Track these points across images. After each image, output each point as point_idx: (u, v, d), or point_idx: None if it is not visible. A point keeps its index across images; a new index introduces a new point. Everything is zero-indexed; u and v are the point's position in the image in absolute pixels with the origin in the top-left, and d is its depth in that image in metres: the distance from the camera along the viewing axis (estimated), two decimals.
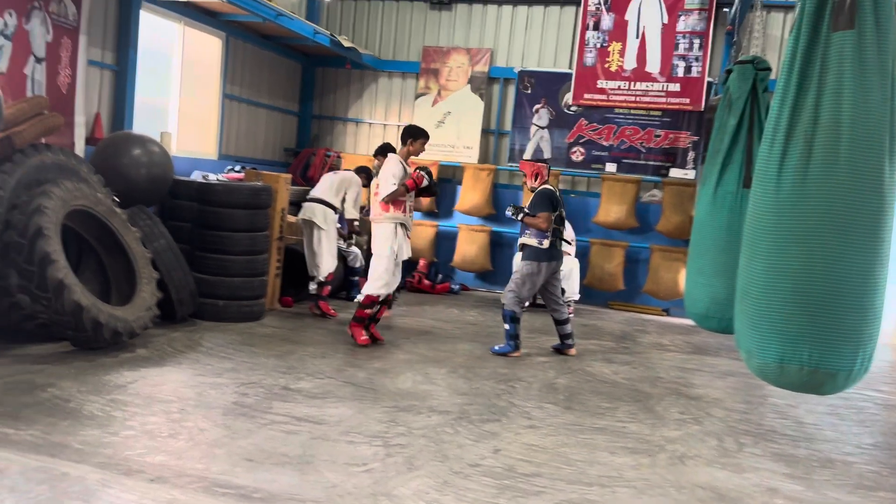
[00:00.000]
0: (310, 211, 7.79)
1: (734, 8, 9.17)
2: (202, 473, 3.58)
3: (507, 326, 6.77)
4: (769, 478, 4.25)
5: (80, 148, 7.15)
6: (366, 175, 8.26)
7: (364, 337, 6.55)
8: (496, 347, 6.85)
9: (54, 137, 6.38)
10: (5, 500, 3.11)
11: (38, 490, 3.23)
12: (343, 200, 7.89)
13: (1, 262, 5.27)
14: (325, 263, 7.80)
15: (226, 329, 6.73)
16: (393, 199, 6.45)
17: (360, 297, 6.61)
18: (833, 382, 3.66)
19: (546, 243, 6.74)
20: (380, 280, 6.48)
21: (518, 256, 7.22)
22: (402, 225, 6.56)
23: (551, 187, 7.01)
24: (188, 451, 3.84)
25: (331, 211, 7.83)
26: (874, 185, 3.55)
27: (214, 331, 6.63)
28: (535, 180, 6.96)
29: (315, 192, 7.94)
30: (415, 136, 6.66)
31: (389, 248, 6.45)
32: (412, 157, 6.75)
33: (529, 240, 6.79)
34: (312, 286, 7.89)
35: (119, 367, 5.24)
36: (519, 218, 6.84)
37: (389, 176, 6.42)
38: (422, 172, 6.56)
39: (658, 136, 10.11)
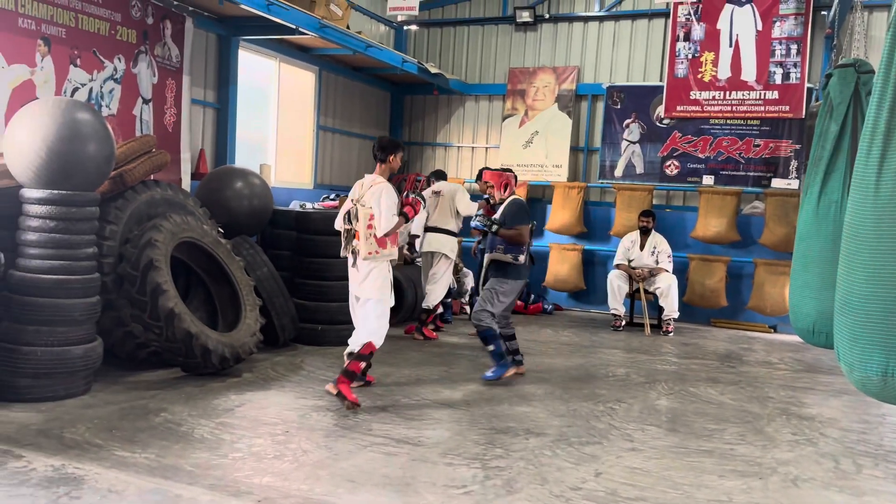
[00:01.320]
0: (437, 243, 7.99)
1: (833, 10, 8.80)
2: (306, 494, 3.67)
3: (490, 347, 6.17)
4: (891, 501, 3.98)
5: (186, 183, 7.52)
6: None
7: (354, 395, 5.26)
8: (488, 374, 6.17)
9: (162, 174, 6.75)
10: None
11: None
12: (457, 213, 8.11)
13: (115, 293, 5.59)
14: (438, 292, 7.99)
15: (325, 353, 6.89)
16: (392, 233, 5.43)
17: (356, 348, 5.45)
18: None
19: (523, 258, 6.21)
20: (383, 328, 5.51)
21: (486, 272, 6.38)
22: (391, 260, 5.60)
23: (521, 198, 6.60)
24: (293, 473, 3.94)
25: (455, 239, 8.12)
26: None
27: (314, 354, 6.80)
28: (505, 191, 6.42)
29: (435, 222, 8.09)
30: (395, 149, 5.62)
31: (390, 290, 5.53)
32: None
33: (504, 256, 6.16)
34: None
35: (226, 391, 5.44)
36: (493, 231, 6.17)
37: (392, 205, 5.32)
38: (416, 197, 5.62)
39: (757, 145, 9.77)
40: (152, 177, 6.27)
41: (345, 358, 5.51)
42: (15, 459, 3.86)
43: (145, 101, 7.17)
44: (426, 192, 8.23)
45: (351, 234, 5.42)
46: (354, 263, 5.45)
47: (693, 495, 3.94)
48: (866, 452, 4.82)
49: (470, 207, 8.06)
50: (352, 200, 5.45)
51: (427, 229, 8.09)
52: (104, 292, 5.39)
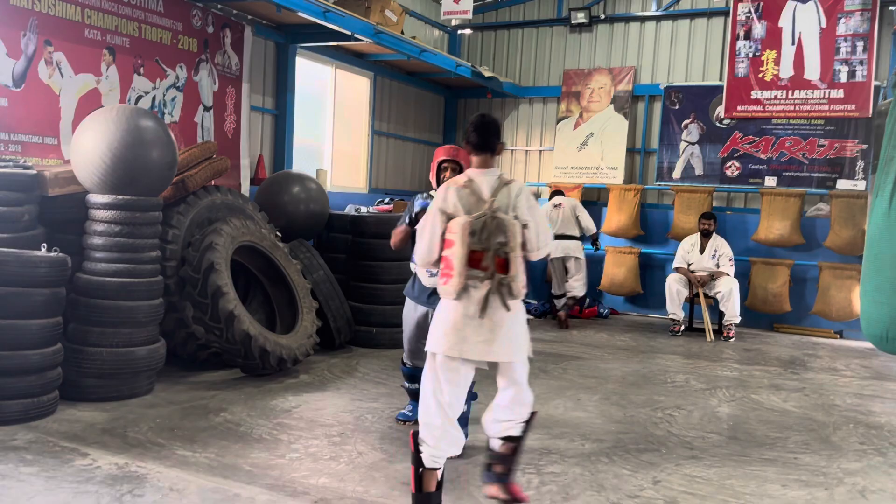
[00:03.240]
0: (567, 248, 9.38)
1: None
2: (362, 496, 3.68)
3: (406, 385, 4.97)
4: None
5: (245, 188, 7.67)
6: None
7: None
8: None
9: (222, 179, 6.89)
10: None
11: None
12: (579, 220, 9.54)
13: (177, 295, 5.72)
14: (581, 284, 9.50)
15: (380, 355, 6.92)
16: None
17: (516, 430, 3.68)
18: None
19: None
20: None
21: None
22: None
23: None
24: (348, 474, 3.96)
25: (579, 242, 9.56)
26: None
27: (369, 357, 6.84)
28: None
29: (561, 230, 9.37)
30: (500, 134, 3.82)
31: None
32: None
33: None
34: (560, 302, 9.56)
35: (284, 392, 5.51)
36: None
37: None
38: None
39: (822, 146, 9.46)
40: (213, 182, 6.40)
41: (495, 447, 3.69)
42: (81, 457, 3.97)
43: (206, 109, 7.33)
44: (546, 207, 9.52)
45: (489, 261, 3.38)
46: (485, 309, 3.38)
47: None
48: None
49: (591, 221, 9.62)
50: (491, 210, 3.40)
51: (556, 237, 8.97)
52: (167, 295, 5.52)
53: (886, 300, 5.20)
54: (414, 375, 4.73)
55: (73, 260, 4.94)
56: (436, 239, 3.42)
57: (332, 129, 9.43)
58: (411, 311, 4.77)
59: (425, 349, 3.52)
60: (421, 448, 3.39)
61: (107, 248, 5.12)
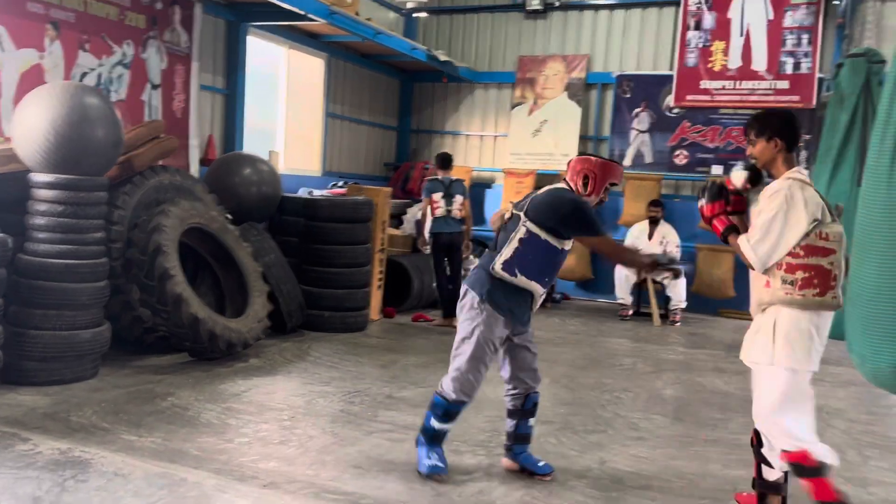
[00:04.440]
0: None
1: (845, 0, 8.69)
2: (312, 480, 3.66)
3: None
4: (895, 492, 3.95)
5: (194, 169, 7.51)
6: None
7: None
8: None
9: (170, 159, 6.73)
10: None
11: (158, 494, 3.38)
12: None
13: (123, 277, 5.59)
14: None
15: (332, 339, 6.89)
16: None
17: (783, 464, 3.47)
18: None
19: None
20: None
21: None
22: None
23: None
24: (299, 458, 3.93)
25: None
26: None
27: (321, 341, 6.79)
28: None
29: None
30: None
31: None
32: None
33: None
34: None
35: (233, 376, 5.44)
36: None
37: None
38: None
39: None
40: (161, 162, 6.25)
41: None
42: (21, 442, 3.87)
43: (154, 87, 7.15)
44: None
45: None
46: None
47: (698, 484, 3.92)
48: (872, 444, 4.78)
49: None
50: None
51: None
52: (112, 277, 5.39)
53: None
54: (453, 413, 3.81)
55: (14, 240, 4.77)
56: (791, 242, 3.19)
57: (285, 110, 9.29)
58: (496, 329, 3.65)
59: (789, 367, 3.26)
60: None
61: (50, 228, 4.97)
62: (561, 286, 10.67)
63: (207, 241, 6.30)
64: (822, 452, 3.28)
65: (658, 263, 3.70)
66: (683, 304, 9.13)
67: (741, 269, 9.67)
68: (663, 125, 10.20)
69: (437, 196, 7.76)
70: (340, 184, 9.32)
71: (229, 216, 6.66)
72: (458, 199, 7.77)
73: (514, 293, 3.66)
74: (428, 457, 3.79)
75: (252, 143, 8.47)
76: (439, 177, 7.92)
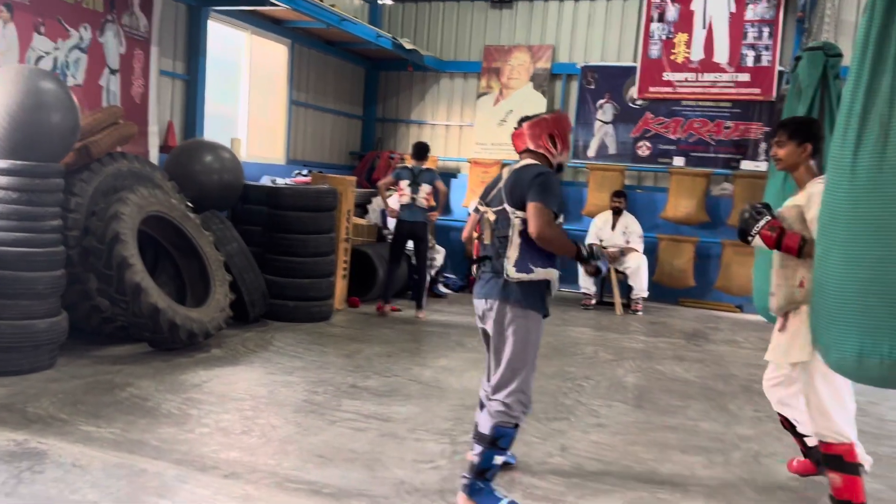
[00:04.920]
0: None
1: None
2: (274, 469, 3.65)
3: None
4: None
5: (154, 156, 7.39)
6: None
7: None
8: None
9: (129, 146, 6.61)
10: (87, 495, 3.23)
11: (118, 485, 3.34)
12: None
13: (81, 266, 5.49)
14: None
15: (296, 329, 6.85)
16: None
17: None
18: None
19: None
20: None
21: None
22: None
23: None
24: (261, 448, 3.92)
25: None
26: None
27: (285, 331, 6.76)
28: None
29: None
30: None
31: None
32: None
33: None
34: None
35: (194, 366, 5.39)
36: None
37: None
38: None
39: (728, 127, 9.83)
40: (119, 149, 6.13)
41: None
42: None
43: (112, 72, 7.01)
44: None
45: None
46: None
47: (656, 470, 4.00)
48: None
49: None
50: None
51: None
52: (69, 266, 5.29)
53: None
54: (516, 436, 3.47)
55: None
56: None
57: (247, 97, 9.18)
58: (540, 330, 3.46)
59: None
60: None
61: (4, 215, 4.85)
62: None
63: (167, 230, 6.21)
64: (862, 453, 3.42)
65: (580, 257, 3.43)
66: (645, 294, 9.27)
67: (701, 259, 9.86)
68: (627, 116, 10.30)
69: (404, 184, 7.75)
70: (304, 172, 9.25)
71: (190, 204, 6.57)
72: (425, 187, 7.75)
73: (538, 287, 3.39)
74: (500, 498, 3.34)
75: (213, 131, 8.35)
76: (409, 165, 7.92)
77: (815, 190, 3.46)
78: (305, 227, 7.19)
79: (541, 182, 3.29)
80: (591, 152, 10.42)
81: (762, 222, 3.51)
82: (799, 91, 6.07)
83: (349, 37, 9.63)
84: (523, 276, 3.32)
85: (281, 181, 8.47)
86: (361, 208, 9.57)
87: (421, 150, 7.98)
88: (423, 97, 11.54)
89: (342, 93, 11.16)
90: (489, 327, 3.45)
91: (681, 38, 9.92)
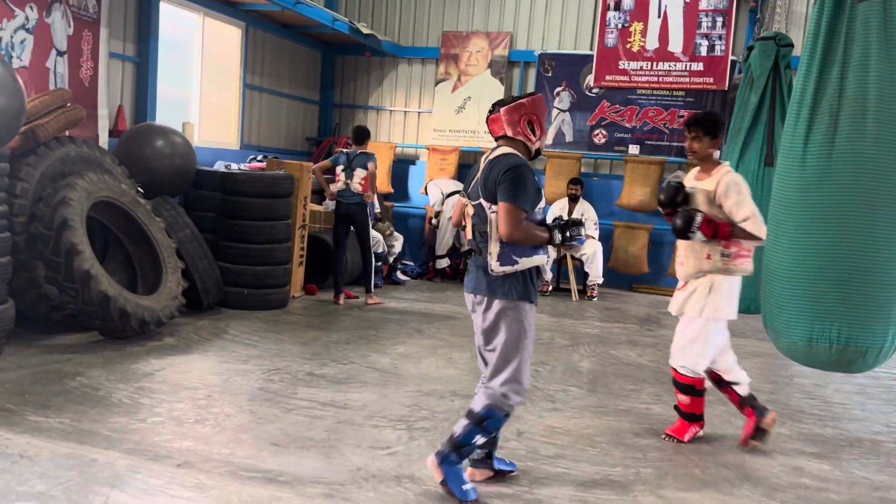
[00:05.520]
0: None
1: None
2: (228, 458, 3.63)
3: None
4: (796, 457, 4.20)
5: (103, 140, 7.23)
6: None
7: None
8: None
9: (78, 130, 6.46)
10: (36, 486, 3.17)
11: (67, 476, 3.29)
12: None
13: (27, 253, 5.36)
14: None
15: (251, 317, 6.79)
16: None
17: None
18: (863, 360, 3.61)
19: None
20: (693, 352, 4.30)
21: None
22: None
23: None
24: (214, 437, 3.89)
25: None
26: None
27: (240, 319, 6.69)
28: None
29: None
30: None
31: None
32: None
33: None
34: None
35: (146, 355, 5.31)
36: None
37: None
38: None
39: (682, 116, 9.98)
40: (67, 133, 5.99)
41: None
42: None
43: (60, 54, 6.81)
44: None
45: None
46: None
47: (610, 452, 4.07)
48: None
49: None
50: None
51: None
52: (15, 253, 5.16)
53: None
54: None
55: None
56: None
57: (200, 80, 9.01)
58: (532, 318, 3.47)
59: (726, 318, 4.20)
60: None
61: None
62: None
63: (117, 216, 6.09)
64: (739, 375, 4.35)
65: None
66: (600, 280, 9.40)
67: (655, 245, 10.02)
68: (583, 104, 10.39)
69: (339, 169, 7.74)
70: (259, 158, 9.14)
71: (141, 190, 6.45)
72: (360, 172, 7.70)
73: (525, 276, 3.37)
74: (465, 481, 3.37)
75: (165, 115, 8.19)
76: (346, 150, 7.90)
77: (730, 179, 4.04)
78: (260, 214, 7.12)
79: (511, 178, 3.23)
80: (548, 140, 10.49)
81: (698, 220, 3.99)
82: (751, 80, 6.20)
83: (305, 20, 9.51)
84: (508, 269, 3.29)
85: (235, 167, 8.35)
86: (318, 195, 9.49)
87: (359, 135, 7.88)
88: (380, 83, 11.47)
89: (298, 77, 11.03)
90: (480, 320, 3.41)
91: (636, 26, 10.02)
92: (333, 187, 7.82)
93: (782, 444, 4.42)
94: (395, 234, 9.61)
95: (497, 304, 3.34)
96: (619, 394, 5.22)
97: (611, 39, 10.14)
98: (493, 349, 3.38)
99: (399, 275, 9.57)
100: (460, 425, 3.38)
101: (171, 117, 8.28)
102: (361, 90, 11.57)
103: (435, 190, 9.93)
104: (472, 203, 3.40)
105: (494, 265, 3.29)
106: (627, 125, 10.22)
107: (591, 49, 10.35)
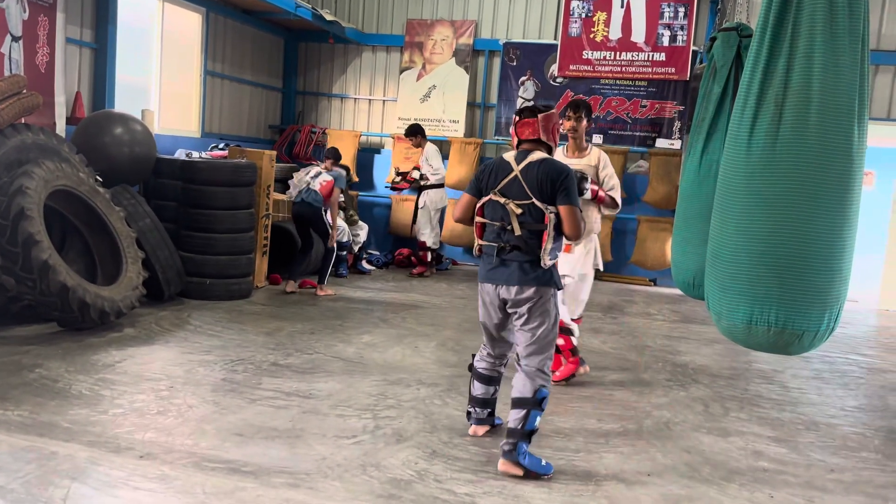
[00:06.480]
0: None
1: None
2: (191, 449, 3.60)
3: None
4: (754, 441, 4.31)
5: (60, 128, 7.08)
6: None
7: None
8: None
9: (34, 117, 6.31)
10: None
11: (27, 469, 3.24)
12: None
13: None
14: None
15: (214, 307, 6.73)
16: None
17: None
18: (800, 342, 3.71)
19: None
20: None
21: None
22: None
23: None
24: (177, 428, 3.86)
25: None
26: (843, 148, 3.58)
27: (202, 309, 6.63)
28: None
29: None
30: None
31: None
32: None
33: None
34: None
35: (107, 346, 5.24)
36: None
37: None
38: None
39: (644, 106, 10.09)
40: (23, 120, 5.85)
41: None
42: None
43: (14, 39, 6.64)
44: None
45: None
46: None
47: (573, 437, 4.14)
48: (733, 397, 5.18)
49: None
50: None
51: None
52: None
53: (693, 250, 5.70)
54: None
55: None
56: None
57: (160, 67, 8.86)
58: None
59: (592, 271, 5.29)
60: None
61: None
62: (449, 252, 10.82)
63: (76, 205, 5.98)
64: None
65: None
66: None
67: (618, 234, 10.14)
68: (548, 94, 10.44)
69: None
70: (221, 146, 9.02)
71: (99, 178, 6.33)
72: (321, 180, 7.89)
73: (555, 267, 3.82)
74: (541, 459, 3.68)
75: (124, 102, 8.04)
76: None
77: (604, 154, 5.24)
78: (222, 203, 7.04)
79: (570, 183, 3.74)
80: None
81: (587, 183, 4.87)
82: (714, 71, 6.28)
83: (266, 6, 9.40)
84: (551, 262, 3.74)
85: (196, 155, 8.24)
86: (282, 183, 9.41)
87: (335, 154, 8.42)
88: (344, 70, 11.39)
89: (260, 64, 10.89)
90: (521, 311, 3.74)
91: (600, 16, 10.09)
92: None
93: (741, 427, 4.53)
94: (361, 223, 9.58)
95: (545, 293, 3.75)
96: (581, 381, 5.29)
97: (575, 29, 10.20)
98: (534, 335, 3.74)
99: (364, 264, 9.55)
100: (518, 416, 3.65)
101: (131, 104, 8.14)
102: (325, 78, 11.48)
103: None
104: (519, 202, 3.74)
105: (546, 259, 3.70)
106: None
107: (555, 38, 10.40)
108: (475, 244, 3.94)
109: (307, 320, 6.57)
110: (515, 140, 3.93)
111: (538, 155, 3.80)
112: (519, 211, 3.73)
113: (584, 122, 5.16)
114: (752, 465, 3.96)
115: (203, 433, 3.82)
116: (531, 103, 10.22)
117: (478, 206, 3.90)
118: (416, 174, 9.74)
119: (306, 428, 3.98)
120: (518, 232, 3.73)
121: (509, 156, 3.86)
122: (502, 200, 3.77)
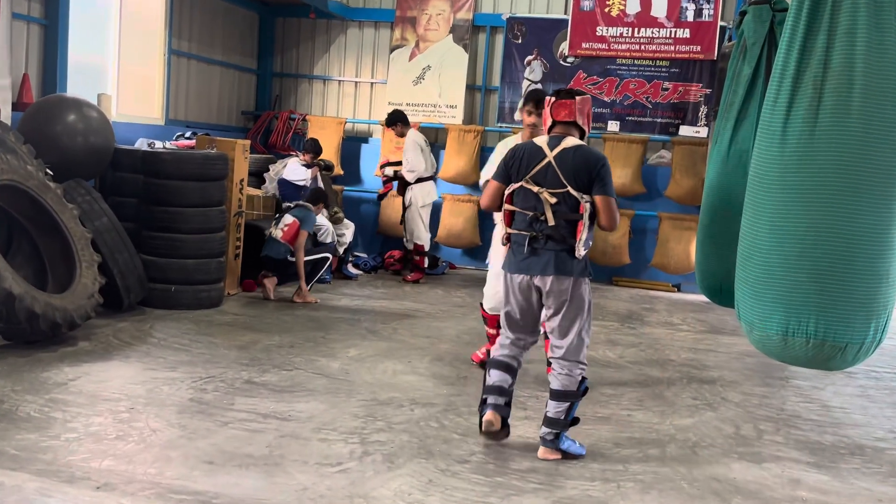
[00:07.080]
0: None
1: None
2: (155, 479, 3.60)
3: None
4: (792, 468, 4.31)
5: (5, 114, 7.08)
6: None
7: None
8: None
9: None
10: None
11: None
12: None
13: None
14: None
15: (180, 317, 6.73)
16: None
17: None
18: (842, 356, 3.71)
19: None
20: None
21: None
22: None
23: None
24: (139, 455, 3.85)
25: None
26: (889, 136, 3.56)
27: (167, 319, 6.62)
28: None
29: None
30: None
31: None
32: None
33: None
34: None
35: (59, 362, 5.24)
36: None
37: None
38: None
39: (666, 89, 10.11)
40: None
41: None
42: None
43: None
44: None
45: None
46: None
47: (588, 465, 4.13)
48: (768, 417, 5.19)
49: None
50: None
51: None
52: None
53: (721, 252, 5.70)
54: None
55: None
56: None
57: (118, 46, 8.87)
58: None
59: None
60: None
61: None
62: (447, 254, 10.82)
63: (22, 202, 5.99)
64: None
65: None
66: None
67: (637, 234, 10.17)
68: (557, 76, 10.45)
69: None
70: (188, 135, 9.03)
71: (50, 172, 6.35)
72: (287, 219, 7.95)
73: (587, 257, 4.18)
74: (575, 441, 4.24)
75: (77, 85, 8.07)
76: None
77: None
78: (190, 199, 7.05)
79: (606, 173, 4.02)
80: (518, 115, 10.53)
81: None
82: (744, 49, 6.28)
83: None
84: (584, 253, 4.06)
85: (160, 145, 8.25)
86: (257, 177, 9.42)
87: (317, 146, 8.87)
88: (327, 49, 11.40)
89: (232, 42, 10.91)
90: (557, 302, 4.11)
91: None
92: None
93: (777, 452, 4.53)
94: (347, 221, 9.58)
95: (581, 283, 4.13)
96: (597, 400, 5.29)
97: (587, 3, 10.21)
98: (572, 327, 4.14)
99: (350, 268, 9.55)
100: (561, 408, 4.11)
101: (85, 88, 8.17)
102: (305, 58, 11.49)
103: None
104: (553, 191, 4.01)
105: (581, 249, 4.02)
106: (606, 99, 10.32)
107: (565, 13, 10.42)
108: (503, 232, 4.25)
109: (285, 332, 6.57)
110: (549, 122, 4.24)
111: (572, 141, 4.10)
112: (554, 200, 4.02)
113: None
114: (789, 494, 3.96)
115: (168, 461, 3.81)
116: (538, 86, 10.40)
117: (507, 193, 4.17)
118: (389, 171, 9.79)
119: (285, 454, 3.98)
120: (552, 222, 4.03)
121: (541, 140, 4.16)
122: (535, 189, 4.05)
